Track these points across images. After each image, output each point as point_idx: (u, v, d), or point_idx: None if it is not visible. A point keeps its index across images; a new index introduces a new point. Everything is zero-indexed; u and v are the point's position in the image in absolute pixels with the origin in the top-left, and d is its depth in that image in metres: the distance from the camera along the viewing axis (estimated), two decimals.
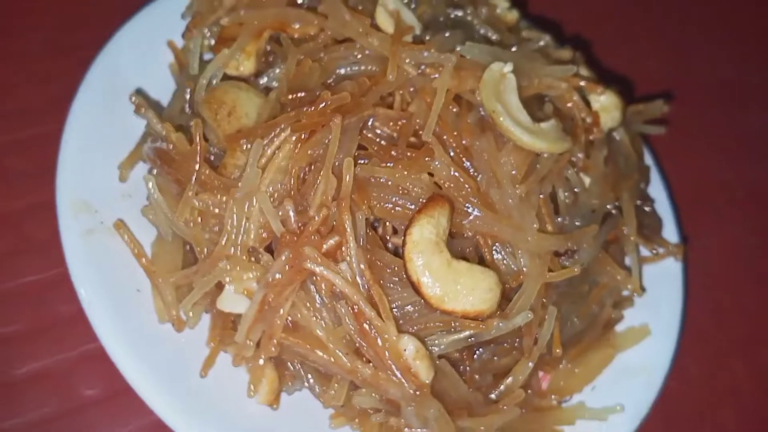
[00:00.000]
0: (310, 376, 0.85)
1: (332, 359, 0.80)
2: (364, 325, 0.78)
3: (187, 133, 0.89)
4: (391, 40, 0.90)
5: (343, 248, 0.79)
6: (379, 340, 0.78)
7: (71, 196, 0.87)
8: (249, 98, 0.89)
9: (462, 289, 0.80)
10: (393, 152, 0.87)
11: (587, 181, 0.96)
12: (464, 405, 0.84)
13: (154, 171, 0.89)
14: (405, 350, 0.78)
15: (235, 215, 0.82)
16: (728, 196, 1.34)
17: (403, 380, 0.77)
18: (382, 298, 0.79)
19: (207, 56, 1.05)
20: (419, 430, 0.80)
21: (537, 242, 0.85)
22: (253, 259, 0.82)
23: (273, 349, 0.80)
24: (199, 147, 0.83)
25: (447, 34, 0.95)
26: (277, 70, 0.93)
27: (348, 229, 0.79)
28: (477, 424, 0.83)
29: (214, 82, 0.93)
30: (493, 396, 0.88)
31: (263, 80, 0.93)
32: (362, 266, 0.79)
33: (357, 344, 0.80)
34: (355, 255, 0.79)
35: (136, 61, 1.00)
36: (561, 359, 0.94)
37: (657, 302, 1.03)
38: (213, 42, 0.99)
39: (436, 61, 0.90)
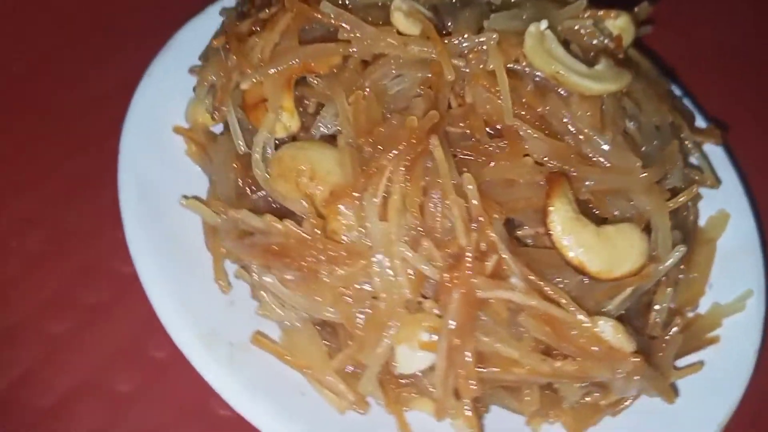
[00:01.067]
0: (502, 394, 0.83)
1: (529, 372, 0.79)
2: (557, 326, 0.76)
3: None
4: (432, 41, 0.85)
5: (504, 264, 0.77)
6: (574, 333, 0.77)
7: (203, 341, 0.80)
8: (322, 154, 0.82)
9: (621, 252, 0.80)
10: (483, 148, 0.84)
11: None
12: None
13: (258, 268, 0.81)
14: (603, 332, 0.78)
15: (378, 277, 0.77)
16: None
17: (613, 360, 0.77)
18: (560, 292, 0.77)
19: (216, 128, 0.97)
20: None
21: (647, 178, 0.86)
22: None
23: (474, 388, 0.77)
24: (313, 224, 0.77)
25: (466, 14, 0.91)
26: (327, 116, 0.86)
27: (499, 243, 0.76)
28: (661, 361, 0.85)
29: (269, 153, 0.85)
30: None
31: (317, 130, 0.86)
32: (527, 273, 0.77)
33: (547, 346, 0.78)
34: (516, 264, 0.76)
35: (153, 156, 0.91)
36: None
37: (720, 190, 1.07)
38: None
39: (476, 45, 0.87)
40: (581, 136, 0.86)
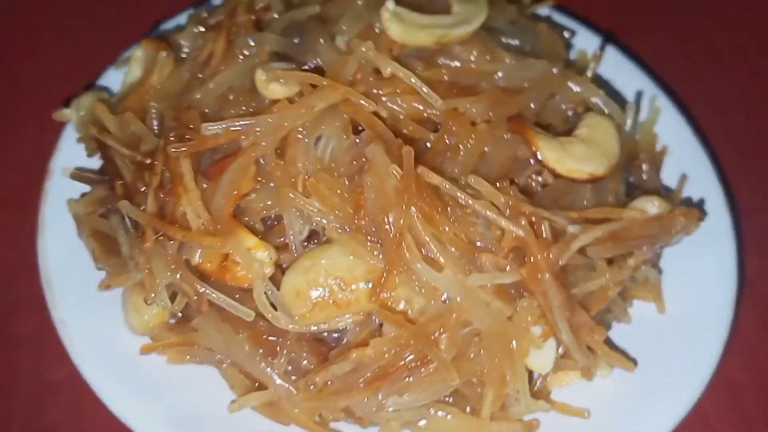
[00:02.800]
0: None
1: (615, 285, 0.83)
2: (617, 235, 0.80)
3: None
4: (328, 87, 0.79)
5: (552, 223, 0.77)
6: (630, 228, 0.81)
7: None
8: (331, 261, 0.76)
9: (605, 141, 0.84)
10: (441, 146, 0.82)
11: None
12: None
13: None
14: (647, 209, 0.82)
15: (478, 319, 0.74)
16: None
17: (667, 225, 0.82)
18: (599, 209, 0.81)
19: None
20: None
21: (560, 71, 0.89)
22: None
23: (603, 333, 0.79)
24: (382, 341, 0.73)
25: (318, 44, 0.86)
26: (293, 224, 0.78)
27: (534, 210, 0.77)
28: None
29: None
30: None
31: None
32: (572, 215, 0.79)
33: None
34: (561, 216, 0.78)
35: None
36: None
37: None
38: None
39: (359, 60, 0.82)
40: (494, 74, 0.87)
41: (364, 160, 0.78)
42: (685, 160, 0.99)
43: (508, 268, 0.76)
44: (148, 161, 0.77)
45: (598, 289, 0.82)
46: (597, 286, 0.82)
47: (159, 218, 0.74)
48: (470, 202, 0.75)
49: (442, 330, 0.74)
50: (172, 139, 0.77)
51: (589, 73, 0.93)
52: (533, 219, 0.76)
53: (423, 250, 0.74)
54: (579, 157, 0.82)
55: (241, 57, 0.86)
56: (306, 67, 0.85)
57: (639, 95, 1.04)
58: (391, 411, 0.73)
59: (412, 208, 0.73)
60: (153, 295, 0.74)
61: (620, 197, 0.87)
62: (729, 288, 0.88)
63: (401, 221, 0.74)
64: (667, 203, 0.83)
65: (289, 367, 0.78)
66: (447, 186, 0.75)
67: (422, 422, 0.76)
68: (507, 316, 0.75)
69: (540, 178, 0.86)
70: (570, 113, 0.90)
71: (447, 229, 0.75)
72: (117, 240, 0.81)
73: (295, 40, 0.87)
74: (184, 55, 0.92)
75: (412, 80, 0.82)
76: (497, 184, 0.77)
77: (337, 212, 0.77)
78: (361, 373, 0.72)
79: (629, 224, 0.80)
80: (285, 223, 0.78)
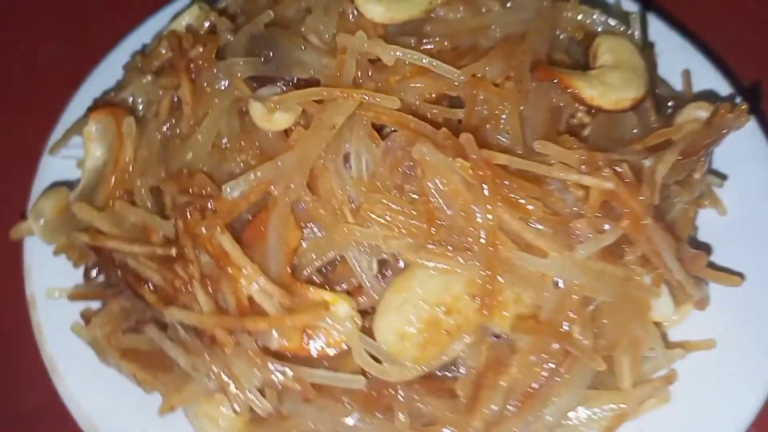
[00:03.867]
0: None
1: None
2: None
3: None
4: (343, 97, 0.68)
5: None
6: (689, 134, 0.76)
7: None
8: (425, 287, 0.65)
9: (633, 64, 0.77)
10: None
11: None
12: None
13: None
14: (697, 115, 0.78)
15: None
16: None
17: (717, 126, 0.77)
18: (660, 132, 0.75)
19: None
20: None
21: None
22: None
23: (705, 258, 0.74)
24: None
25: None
26: (360, 263, 0.67)
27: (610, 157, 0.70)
28: None
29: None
30: None
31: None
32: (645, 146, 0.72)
33: None
34: (634, 152, 0.71)
35: None
36: None
37: None
38: None
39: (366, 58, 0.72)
40: (489, 27, 0.78)
41: (409, 163, 0.68)
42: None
43: (606, 226, 0.68)
44: (173, 251, 0.64)
45: (680, 215, 0.77)
46: (679, 212, 0.77)
47: (223, 314, 0.61)
48: (549, 171, 0.67)
49: (571, 317, 0.66)
50: (191, 215, 0.64)
51: None
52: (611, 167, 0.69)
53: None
54: (619, 86, 0.75)
55: (216, 98, 0.73)
56: (290, 82, 0.74)
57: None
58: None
59: (497, 199, 0.64)
60: (241, 399, 0.61)
61: (662, 114, 0.81)
62: None
63: (488, 217, 0.64)
64: (711, 104, 0.78)
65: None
66: (517, 161, 0.66)
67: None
68: (625, 276, 0.68)
69: (575, 120, 0.79)
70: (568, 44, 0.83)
71: (532, 208, 0.67)
72: (160, 353, 0.67)
73: (269, 56, 0.75)
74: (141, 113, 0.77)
75: (425, 60, 0.72)
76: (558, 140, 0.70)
77: (406, 232, 0.66)
78: (512, 396, 0.64)
79: (691, 138, 0.75)
80: (349, 263, 0.67)
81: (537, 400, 0.65)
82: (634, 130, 0.78)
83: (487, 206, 0.64)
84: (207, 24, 0.80)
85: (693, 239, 0.82)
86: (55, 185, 0.78)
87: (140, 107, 0.77)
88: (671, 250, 0.70)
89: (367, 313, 0.68)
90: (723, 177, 0.84)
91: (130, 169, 0.71)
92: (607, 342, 0.69)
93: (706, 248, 0.81)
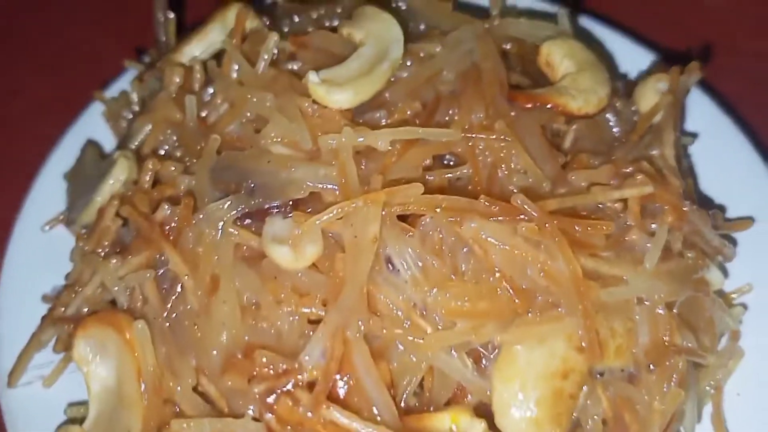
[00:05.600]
0: None
1: None
2: None
3: None
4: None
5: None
6: None
7: None
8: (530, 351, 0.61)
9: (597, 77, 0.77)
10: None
11: None
12: None
13: None
14: None
15: None
16: None
17: None
18: None
19: None
20: None
21: None
22: None
23: None
24: None
25: None
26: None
27: None
28: None
29: None
30: None
31: None
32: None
33: None
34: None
35: None
36: None
37: None
38: None
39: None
40: (440, 74, 0.75)
41: (464, 249, 0.63)
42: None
43: (653, 226, 0.68)
44: None
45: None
46: None
47: None
48: (594, 197, 0.65)
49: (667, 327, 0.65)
50: (279, 403, 0.54)
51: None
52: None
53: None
54: (594, 87, 0.75)
55: (215, 254, 0.63)
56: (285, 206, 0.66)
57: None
58: None
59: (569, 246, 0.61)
60: None
61: (623, 99, 0.81)
62: None
63: (570, 269, 0.61)
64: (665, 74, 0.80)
65: None
66: (567, 200, 0.64)
67: None
68: (687, 267, 0.69)
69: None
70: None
71: (597, 242, 0.65)
72: None
73: (251, 186, 0.65)
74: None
75: (420, 131, 0.67)
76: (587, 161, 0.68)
77: (490, 315, 0.62)
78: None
79: (668, 111, 0.77)
80: (445, 371, 0.61)
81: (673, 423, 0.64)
82: (615, 129, 0.78)
83: (567, 260, 0.61)
84: (148, 176, 0.69)
85: None
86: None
87: (122, 300, 0.64)
88: (708, 224, 0.72)
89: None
90: (693, 135, 0.87)
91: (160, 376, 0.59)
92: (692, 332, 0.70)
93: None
